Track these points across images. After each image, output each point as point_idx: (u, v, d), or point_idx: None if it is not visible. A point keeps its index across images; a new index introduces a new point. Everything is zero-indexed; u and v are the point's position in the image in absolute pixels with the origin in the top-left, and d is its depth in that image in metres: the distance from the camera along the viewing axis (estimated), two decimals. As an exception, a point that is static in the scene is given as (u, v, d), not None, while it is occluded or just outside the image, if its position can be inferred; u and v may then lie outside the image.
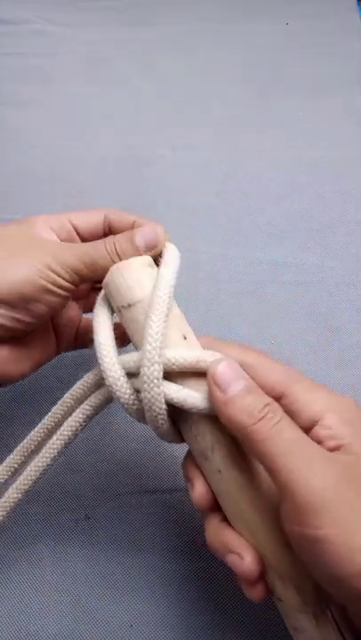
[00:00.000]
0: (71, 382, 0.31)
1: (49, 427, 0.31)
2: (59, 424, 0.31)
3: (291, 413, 0.26)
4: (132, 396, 0.28)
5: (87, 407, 0.30)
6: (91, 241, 0.32)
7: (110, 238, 0.31)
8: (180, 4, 0.71)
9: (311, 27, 0.68)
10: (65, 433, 0.30)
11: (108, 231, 0.34)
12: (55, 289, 0.29)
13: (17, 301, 0.29)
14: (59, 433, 0.30)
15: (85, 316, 0.37)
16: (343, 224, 0.53)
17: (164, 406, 0.27)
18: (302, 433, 0.25)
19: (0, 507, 0.32)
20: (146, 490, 0.40)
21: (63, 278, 0.30)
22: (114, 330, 0.29)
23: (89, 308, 0.34)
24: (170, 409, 0.27)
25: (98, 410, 0.30)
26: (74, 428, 0.30)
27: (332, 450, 0.25)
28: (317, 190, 0.55)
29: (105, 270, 0.29)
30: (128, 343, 0.31)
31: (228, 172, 0.56)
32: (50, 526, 0.39)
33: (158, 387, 0.26)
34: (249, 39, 0.67)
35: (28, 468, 0.31)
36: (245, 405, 0.25)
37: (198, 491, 0.28)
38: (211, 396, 0.26)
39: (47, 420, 0.31)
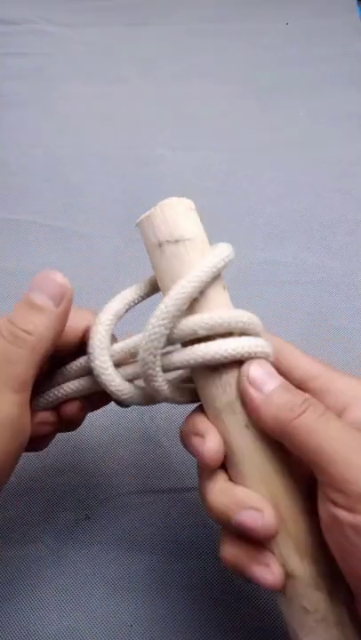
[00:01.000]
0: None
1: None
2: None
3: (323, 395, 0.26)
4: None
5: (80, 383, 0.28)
6: None
7: None
8: (180, 3, 0.71)
9: (311, 27, 0.68)
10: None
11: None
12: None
13: None
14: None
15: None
16: (343, 224, 0.53)
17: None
18: (347, 424, 0.24)
19: None
20: (146, 490, 0.40)
21: None
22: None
23: None
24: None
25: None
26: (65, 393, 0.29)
27: None
28: (317, 190, 0.55)
29: None
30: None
31: (228, 172, 0.56)
32: (50, 526, 0.39)
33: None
34: (249, 39, 0.67)
35: None
36: (285, 402, 0.24)
37: (213, 443, 0.26)
38: (246, 397, 0.25)
39: None
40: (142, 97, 0.62)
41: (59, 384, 0.29)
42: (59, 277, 0.27)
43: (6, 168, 0.56)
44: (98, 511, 0.39)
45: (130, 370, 0.28)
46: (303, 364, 0.28)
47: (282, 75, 0.64)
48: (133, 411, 0.43)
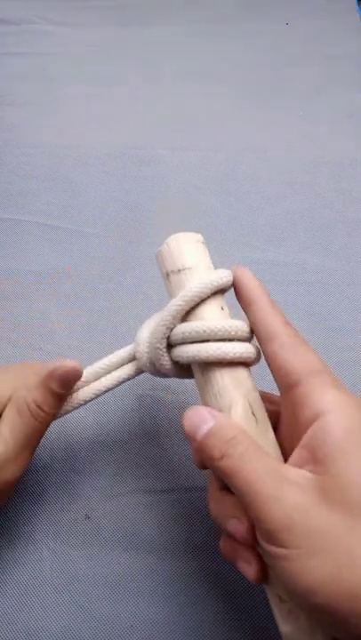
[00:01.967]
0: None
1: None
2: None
3: (298, 406, 0.27)
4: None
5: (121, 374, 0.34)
6: None
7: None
8: (180, 3, 0.71)
9: (311, 27, 0.68)
10: (105, 383, 0.34)
11: None
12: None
13: None
14: (101, 382, 0.34)
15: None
16: (343, 224, 0.53)
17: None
18: (270, 460, 0.26)
19: None
20: (146, 490, 0.40)
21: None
22: None
23: None
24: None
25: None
26: (115, 381, 0.34)
27: (317, 460, 0.25)
28: (317, 190, 0.55)
29: None
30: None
31: (228, 172, 0.56)
32: (50, 526, 0.39)
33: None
34: (249, 39, 0.67)
35: None
36: (211, 445, 0.27)
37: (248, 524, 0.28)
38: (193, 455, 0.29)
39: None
40: (142, 97, 0.62)
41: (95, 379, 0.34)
42: (76, 367, 0.32)
43: (6, 168, 0.56)
44: (98, 511, 0.39)
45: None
46: (291, 367, 0.28)
47: (282, 75, 0.64)
48: (133, 411, 0.43)
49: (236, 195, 0.55)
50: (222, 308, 0.31)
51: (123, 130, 0.59)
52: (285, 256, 0.51)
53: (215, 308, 0.31)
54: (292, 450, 0.27)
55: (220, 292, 0.31)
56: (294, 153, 0.57)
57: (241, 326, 0.30)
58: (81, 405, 0.34)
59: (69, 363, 0.31)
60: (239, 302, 0.32)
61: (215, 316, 0.31)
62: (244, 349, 0.30)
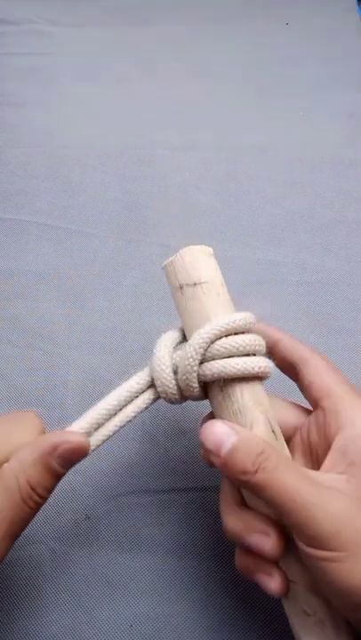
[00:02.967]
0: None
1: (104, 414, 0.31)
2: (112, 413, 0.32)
3: (322, 423, 0.28)
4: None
5: (140, 402, 0.32)
6: None
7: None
8: (180, 3, 0.71)
9: (311, 27, 0.68)
10: (118, 423, 0.31)
11: None
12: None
13: None
14: (112, 422, 0.31)
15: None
16: (343, 224, 0.53)
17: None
18: (302, 468, 0.26)
19: None
20: (146, 490, 0.40)
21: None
22: None
23: None
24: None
25: (148, 405, 0.32)
26: (128, 419, 0.32)
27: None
28: (317, 190, 0.55)
29: None
30: None
31: (228, 172, 0.56)
32: (50, 526, 0.39)
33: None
34: (249, 39, 0.67)
35: None
36: (241, 460, 0.25)
37: (278, 539, 0.28)
38: (210, 462, 0.27)
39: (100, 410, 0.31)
40: (142, 97, 0.62)
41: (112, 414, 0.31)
42: (82, 442, 0.28)
43: (6, 168, 0.56)
44: (98, 511, 0.39)
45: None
46: (319, 383, 0.29)
47: (282, 75, 0.64)
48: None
49: (236, 195, 0.55)
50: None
51: (123, 130, 0.59)
52: (285, 256, 0.51)
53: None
54: (318, 459, 0.28)
55: None
56: (294, 153, 0.57)
57: (260, 340, 0.30)
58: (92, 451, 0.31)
59: (74, 437, 0.27)
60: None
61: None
62: (265, 363, 0.29)
